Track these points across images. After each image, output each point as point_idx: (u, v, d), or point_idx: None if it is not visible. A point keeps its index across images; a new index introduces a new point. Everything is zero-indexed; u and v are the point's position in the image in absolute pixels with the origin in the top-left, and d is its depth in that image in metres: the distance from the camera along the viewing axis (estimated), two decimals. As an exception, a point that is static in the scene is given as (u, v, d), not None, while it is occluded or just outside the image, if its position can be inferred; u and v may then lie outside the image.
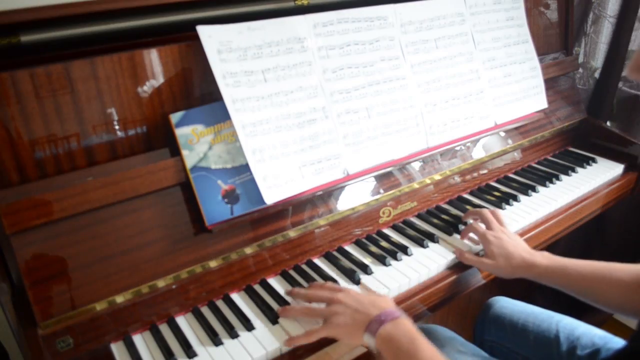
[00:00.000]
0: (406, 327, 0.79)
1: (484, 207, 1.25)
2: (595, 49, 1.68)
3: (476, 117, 1.29)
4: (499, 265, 1.02)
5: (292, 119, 1.01)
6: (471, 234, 1.13)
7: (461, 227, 1.18)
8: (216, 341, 0.88)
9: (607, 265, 0.95)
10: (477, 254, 1.08)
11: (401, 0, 1.17)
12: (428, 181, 1.24)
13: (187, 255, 0.94)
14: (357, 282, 1.01)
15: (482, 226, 1.11)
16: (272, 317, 0.93)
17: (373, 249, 1.11)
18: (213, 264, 0.96)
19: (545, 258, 1.00)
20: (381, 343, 0.79)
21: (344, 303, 0.85)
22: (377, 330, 0.79)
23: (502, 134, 1.40)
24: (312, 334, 0.86)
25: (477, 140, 1.33)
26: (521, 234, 1.18)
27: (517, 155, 1.46)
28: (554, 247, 1.11)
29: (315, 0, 1.11)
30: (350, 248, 1.13)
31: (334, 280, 1.00)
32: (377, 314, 0.81)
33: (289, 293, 0.97)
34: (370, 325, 0.80)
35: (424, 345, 0.76)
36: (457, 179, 1.32)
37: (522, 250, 1.03)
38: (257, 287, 1.01)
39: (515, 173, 1.44)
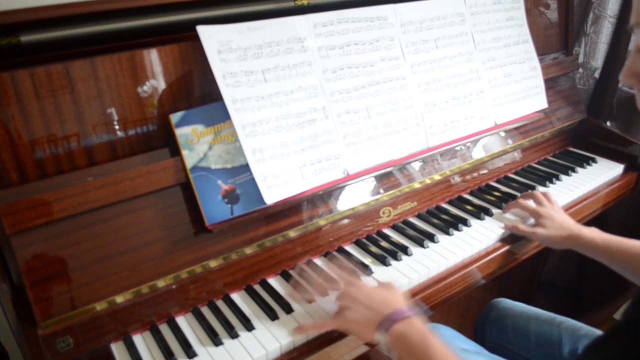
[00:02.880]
0: (418, 325, 0.80)
1: (484, 207, 1.25)
2: (595, 49, 1.67)
3: (476, 117, 1.29)
4: (550, 235, 1.12)
5: (292, 119, 1.01)
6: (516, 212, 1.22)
7: (461, 226, 1.18)
8: (216, 341, 0.88)
9: None
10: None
11: (401, 0, 1.17)
12: (428, 181, 1.24)
13: (187, 255, 0.94)
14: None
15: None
16: (272, 317, 0.93)
17: (373, 249, 1.11)
18: (213, 264, 0.96)
19: (591, 231, 1.09)
20: (393, 341, 0.80)
21: (356, 299, 0.86)
22: (389, 329, 0.81)
23: (502, 134, 1.40)
24: (324, 325, 0.89)
25: (477, 140, 1.33)
26: (521, 234, 1.19)
27: (517, 155, 1.46)
28: (554, 247, 1.12)
29: (315, 0, 1.11)
30: (350, 248, 1.13)
31: (334, 281, 1.00)
32: (389, 313, 0.82)
33: (294, 283, 0.99)
34: (382, 323, 0.82)
35: (435, 343, 0.77)
36: (457, 179, 1.32)
37: (571, 223, 1.13)
38: (257, 287, 1.01)
39: (515, 173, 1.44)
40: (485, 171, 1.38)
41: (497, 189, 1.35)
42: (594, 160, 1.49)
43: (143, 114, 0.93)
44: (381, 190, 1.16)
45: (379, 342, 0.83)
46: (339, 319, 0.87)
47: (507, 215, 1.24)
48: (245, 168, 0.96)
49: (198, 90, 0.98)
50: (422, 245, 1.12)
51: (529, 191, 1.26)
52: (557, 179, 1.39)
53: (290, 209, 1.04)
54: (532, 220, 1.19)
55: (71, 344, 0.83)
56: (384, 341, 0.82)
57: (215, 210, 0.94)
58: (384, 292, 0.88)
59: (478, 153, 1.34)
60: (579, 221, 1.32)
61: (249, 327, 0.91)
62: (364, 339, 0.86)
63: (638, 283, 1.00)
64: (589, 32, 1.68)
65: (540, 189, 1.34)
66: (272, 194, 0.97)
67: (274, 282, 1.03)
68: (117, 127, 0.91)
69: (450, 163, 1.29)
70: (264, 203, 0.97)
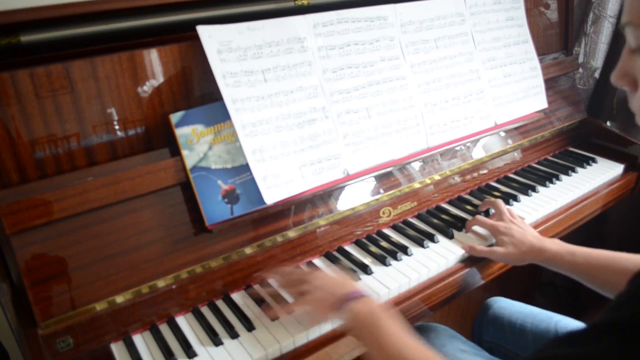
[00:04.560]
0: (370, 304, 0.83)
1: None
2: (595, 49, 1.67)
3: (476, 117, 1.29)
4: (509, 253, 1.05)
5: (292, 119, 1.01)
6: (477, 230, 1.15)
7: (462, 226, 1.18)
8: (216, 341, 0.88)
9: (614, 253, 0.98)
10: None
11: (401, 0, 1.17)
12: (428, 181, 1.24)
13: (187, 255, 0.94)
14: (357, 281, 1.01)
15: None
16: (272, 317, 0.93)
17: (373, 249, 1.11)
18: (213, 264, 0.96)
19: (555, 244, 1.03)
20: (348, 318, 0.83)
21: (313, 283, 0.90)
22: (344, 308, 0.84)
23: (502, 134, 1.40)
24: (289, 308, 0.92)
25: (477, 140, 1.33)
26: (521, 234, 1.18)
27: (517, 155, 1.46)
28: (554, 247, 1.12)
29: (315, 0, 1.11)
30: (350, 248, 1.13)
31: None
32: (345, 293, 0.85)
33: (263, 281, 1.02)
34: (338, 302, 0.85)
35: (385, 321, 0.80)
36: (457, 179, 1.32)
37: (531, 236, 1.06)
38: (257, 287, 1.01)
39: (515, 173, 1.44)
40: (485, 171, 1.39)
41: (497, 189, 1.35)
42: (594, 160, 1.49)
43: (143, 114, 0.93)
44: (381, 190, 1.16)
45: (336, 320, 0.88)
46: (300, 301, 0.91)
47: (470, 234, 1.16)
48: (245, 168, 0.96)
49: (198, 90, 0.98)
50: (422, 245, 1.12)
51: (490, 200, 1.20)
52: (557, 179, 1.39)
53: (290, 209, 1.04)
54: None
55: (71, 344, 0.83)
56: (340, 320, 0.85)
57: (215, 210, 0.94)
58: (338, 277, 0.92)
59: (478, 153, 1.34)
60: (578, 221, 1.33)
61: (249, 327, 0.91)
62: (322, 319, 0.90)
63: (608, 295, 0.97)
64: (589, 32, 1.68)
65: (541, 189, 1.34)
66: (272, 194, 0.97)
67: (274, 282, 1.03)
68: (117, 127, 0.91)
69: (450, 163, 1.29)
70: (264, 203, 0.97)
